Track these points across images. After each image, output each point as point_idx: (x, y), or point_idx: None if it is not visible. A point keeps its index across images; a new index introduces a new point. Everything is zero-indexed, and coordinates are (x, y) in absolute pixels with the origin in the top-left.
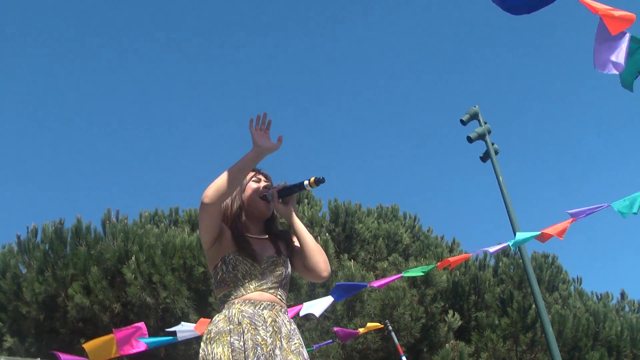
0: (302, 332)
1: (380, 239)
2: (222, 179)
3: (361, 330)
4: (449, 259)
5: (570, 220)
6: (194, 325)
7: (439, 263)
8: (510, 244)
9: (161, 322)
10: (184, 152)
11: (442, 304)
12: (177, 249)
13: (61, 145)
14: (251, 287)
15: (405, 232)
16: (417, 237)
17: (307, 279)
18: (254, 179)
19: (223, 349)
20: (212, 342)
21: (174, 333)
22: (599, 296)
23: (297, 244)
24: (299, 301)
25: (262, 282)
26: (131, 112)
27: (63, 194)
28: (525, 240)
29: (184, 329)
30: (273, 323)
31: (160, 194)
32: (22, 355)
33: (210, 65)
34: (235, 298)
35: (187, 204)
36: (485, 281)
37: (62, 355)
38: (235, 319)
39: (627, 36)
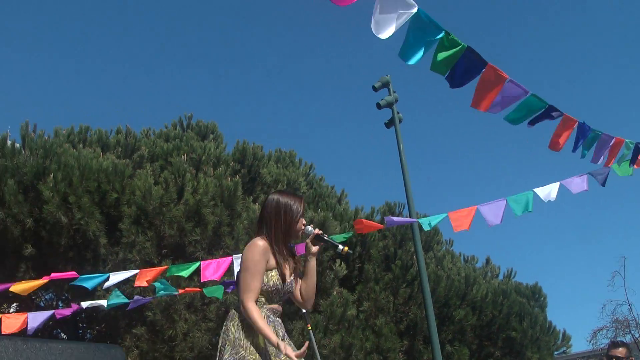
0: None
1: (280, 184)
2: (254, 325)
3: None
4: (364, 224)
5: (475, 208)
6: (132, 272)
7: (356, 227)
8: (424, 227)
9: (71, 241)
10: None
11: (331, 253)
12: (94, 171)
13: None
14: (275, 300)
15: (302, 179)
16: (310, 185)
17: (295, 302)
18: (301, 214)
19: (258, 340)
20: (245, 332)
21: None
22: (466, 258)
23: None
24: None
25: (280, 296)
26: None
27: None
28: (437, 222)
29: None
30: (282, 324)
31: (70, 110)
32: None
33: None
34: (264, 304)
35: (96, 124)
36: (371, 235)
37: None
38: (267, 320)
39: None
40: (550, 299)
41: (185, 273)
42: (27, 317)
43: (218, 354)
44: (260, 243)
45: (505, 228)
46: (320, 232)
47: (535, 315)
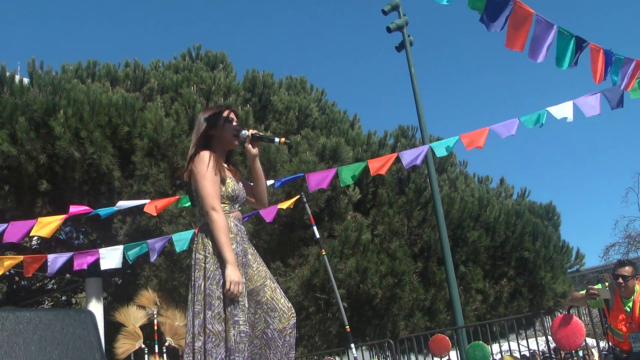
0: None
1: (292, 111)
2: (218, 236)
3: (282, 205)
4: (379, 161)
5: (487, 129)
6: (142, 202)
7: (369, 161)
8: (437, 153)
9: (86, 175)
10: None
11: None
12: (104, 106)
13: None
14: (236, 206)
15: (314, 105)
16: (323, 111)
17: (250, 205)
18: (228, 118)
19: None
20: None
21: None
22: (480, 179)
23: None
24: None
25: (239, 202)
26: None
27: None
28: (448, 149)
29: (126, 204)
30: (246, 232)
31: (77, 45)
32: None
33: None
34: (229, 213)
35: (104, 58)
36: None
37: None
38: (234, 230)
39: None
40: (564, 217)
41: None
42: (46, 258)
43: (197, 267)
44: (207, 153)
45: (520, 148)
46: (254, 131)
47: (548, 235)
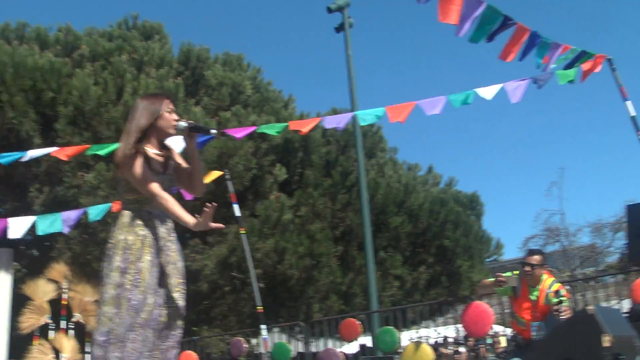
0: None
1: (225, 87)
2: (166, 204)
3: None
4: (301, 122)
5: (413, 103)
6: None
7: (290, 123)
8: (360, 121)
9: (4, 141)
10: None
11: (273, 158)
12: (29, 69)
13: None
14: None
15: (249, 82)
16: (257, 89)
17: (186, 191)
18: (167, 109)
19: (135, 237)
20: (125, 232)
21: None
22: (410, 166)
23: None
24: None
25: (163, 188)
26: None
27: None
28: (372, 119)
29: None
30: (168, 220)
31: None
32: None
33: None
34: (146, 203)
35: (37, 20)
36: (314, 141)
37: None
38: (146, 217)
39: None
40: (489, 208)
41: (103, 152)
42: None
43: (107, 259)
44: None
45: (451, 137)
46: (192, 122)
47: (470, 224)
